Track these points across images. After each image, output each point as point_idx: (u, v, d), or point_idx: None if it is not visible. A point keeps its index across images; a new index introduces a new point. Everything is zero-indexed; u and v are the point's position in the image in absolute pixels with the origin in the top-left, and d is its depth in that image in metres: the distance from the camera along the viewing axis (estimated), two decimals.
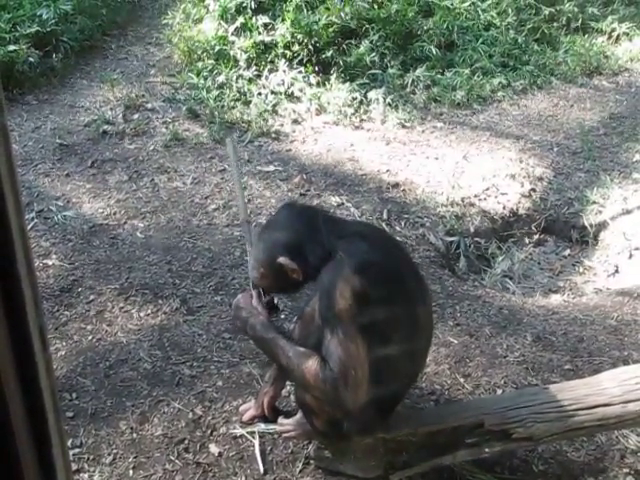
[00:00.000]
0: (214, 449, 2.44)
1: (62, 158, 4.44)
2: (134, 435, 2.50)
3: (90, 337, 2.98)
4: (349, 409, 1.92)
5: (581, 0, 6.60)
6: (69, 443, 2.43)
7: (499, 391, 2.71)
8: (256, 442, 2.44)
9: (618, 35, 6.30)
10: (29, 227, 3.70)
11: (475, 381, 2.77)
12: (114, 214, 3.89)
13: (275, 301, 2.21)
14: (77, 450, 2.43)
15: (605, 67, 5.99)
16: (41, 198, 4.01)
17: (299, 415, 2.27)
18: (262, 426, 2.49)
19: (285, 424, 2.35)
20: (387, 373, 1.98)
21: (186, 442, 2.47)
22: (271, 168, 4.43)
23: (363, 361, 1.89)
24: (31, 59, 5.13)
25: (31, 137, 4.66)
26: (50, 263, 3.45)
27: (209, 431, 2.51)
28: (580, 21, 6.37)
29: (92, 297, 3.22)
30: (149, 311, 3.13)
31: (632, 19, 6.47)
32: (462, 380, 2.77)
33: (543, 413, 2.18)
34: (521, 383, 2.76)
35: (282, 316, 3.09)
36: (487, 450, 2.18)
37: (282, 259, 2.00)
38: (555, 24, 6.33)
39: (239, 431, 2.49)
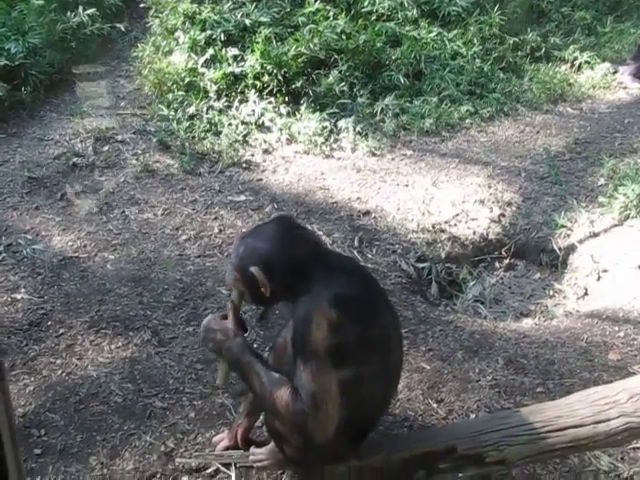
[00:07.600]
0: None
1: (31, 191, 4.40)
2: (104, 470, 2.45)
3: (60, 371, 2.93)
4: (317, 442, 1.92)
5: (544, 30, 6.79)
6: None
7: (472, 415, 2.72)
8: (232, 473, 2.41)
9: (580, 64, 6.46)
10: None
11: (448, 406, 2.77)
12: (84, 247, 3.85)
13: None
14: None
15: (569, 94, 6.13)
16: (9, 232, 3.96)
17: (272, 444, 2.26)
18: (235, 456, 2.47)
19: (257, 453, 2.34)
20: (359, 405, 1.98)
21: (158, 476, 2.43)
22: (242, 198, 4.44)
23: (335, 395, 1.89)
24: None
25: None
26: (19, 297, 3.41)
27: (181, 464, 2.48)
28: (543, 50, 6.53)
29: (62, 331, 3.17)
30: (120, 344, 3.10)
31: (592, 48, 6.65)
32: (435, 405, 2.77)
33: (515, 436, 2.19)
34: (494, 407, 2.77)
35: (255, 345, 3.08)
36: (461, 475, 2.18)
37: (254, 269, 1.98)
38: (519, 53, 6.47)
39: (213, 465, 2.46)
